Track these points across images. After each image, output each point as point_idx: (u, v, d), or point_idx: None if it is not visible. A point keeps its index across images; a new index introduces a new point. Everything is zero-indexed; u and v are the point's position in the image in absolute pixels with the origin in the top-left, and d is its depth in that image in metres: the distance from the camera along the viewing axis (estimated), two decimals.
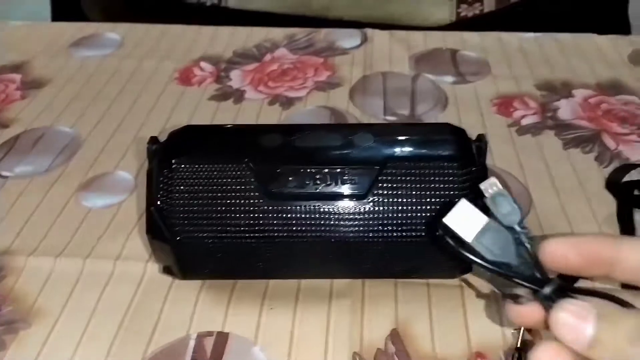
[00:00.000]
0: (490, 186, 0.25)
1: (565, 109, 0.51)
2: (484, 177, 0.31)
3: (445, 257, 0.30)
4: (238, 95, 0.53)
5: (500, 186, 0.25)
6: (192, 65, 0.58)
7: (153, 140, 0.32)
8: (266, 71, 0.57)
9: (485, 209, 0.25)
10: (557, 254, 0.23)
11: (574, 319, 0.21)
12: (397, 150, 0.31)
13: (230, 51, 0.60)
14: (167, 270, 0.34)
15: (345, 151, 0.32)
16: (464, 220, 0.24)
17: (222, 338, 0.33)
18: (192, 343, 0.32)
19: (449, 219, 0.24)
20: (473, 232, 0.24)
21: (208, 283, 0.36)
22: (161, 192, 0.31)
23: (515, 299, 0.23)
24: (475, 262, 0.24)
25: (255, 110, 0.52)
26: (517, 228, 0.24)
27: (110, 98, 0.53)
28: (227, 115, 0.51)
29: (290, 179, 0.31)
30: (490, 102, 0.52)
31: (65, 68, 0.58)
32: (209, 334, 0.33)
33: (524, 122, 0.49)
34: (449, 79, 0.55)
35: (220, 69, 0.57)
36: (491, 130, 0.48)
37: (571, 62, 0.57)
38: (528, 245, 0.24)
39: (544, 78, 0.54)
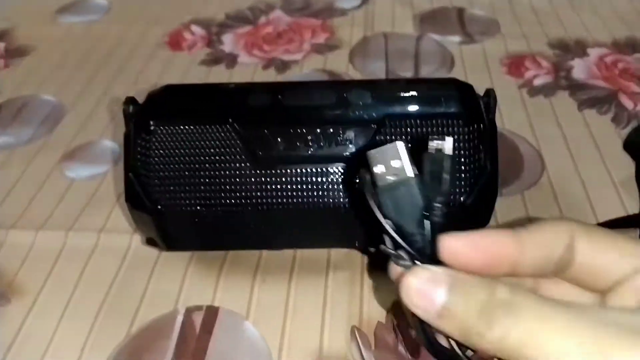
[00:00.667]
0: (438, 145, 0.21)
1: (579, 69, 0.47)
2: (494, 136, 0.29)
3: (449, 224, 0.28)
4: (230, 60, 0.51)
5: (450, 151, 0.21)
6: (182, 29, 0.55)
7: (130, 100, 0.30)
8: (261, 34, 0.53)
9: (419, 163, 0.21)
10: (456, 252, 0.20)
11: (425, 284, 0.19)
12: (397, 107, 0.29)
13: (222, 14, 0.57)
14: (150, 241, 0.32)
15: (339, 110, 0.29)
16: (389, 162, 0.21)
17: (211, 312, 0.31)
18: (180, 318, 0.31)
19: (373, 153, 0.21)
20: (388, 179, 0.21)
21: (197, 255, 0.34)
22: (139, 157, 0.29)
23: (397, 259, 0.21)
24: (371, 209, 0.21)
25: (248, 74, 0.49)
26: (435, 203, 0.21)
27: (96, 65, 0.51)
28: (218, 80, 0.48)
29: (279, 140, 0.28)
30: (500, 63, 0.49)
31: (50, 35, 0.55)
32: (198, 308, 0.31)
33: (536, 82, 0.46)
34: (456, 39, 0.52)
35: (212, 33, 0.54)
36: (501, 92, 0.44)
37: (585, 19, 0.53)
38: (435, 223, 0.21)
39: (557, 36, 0.51)
